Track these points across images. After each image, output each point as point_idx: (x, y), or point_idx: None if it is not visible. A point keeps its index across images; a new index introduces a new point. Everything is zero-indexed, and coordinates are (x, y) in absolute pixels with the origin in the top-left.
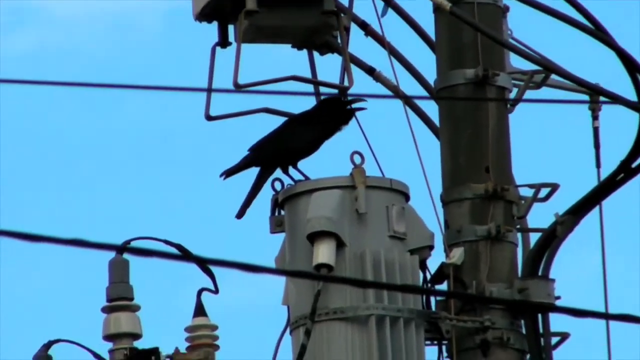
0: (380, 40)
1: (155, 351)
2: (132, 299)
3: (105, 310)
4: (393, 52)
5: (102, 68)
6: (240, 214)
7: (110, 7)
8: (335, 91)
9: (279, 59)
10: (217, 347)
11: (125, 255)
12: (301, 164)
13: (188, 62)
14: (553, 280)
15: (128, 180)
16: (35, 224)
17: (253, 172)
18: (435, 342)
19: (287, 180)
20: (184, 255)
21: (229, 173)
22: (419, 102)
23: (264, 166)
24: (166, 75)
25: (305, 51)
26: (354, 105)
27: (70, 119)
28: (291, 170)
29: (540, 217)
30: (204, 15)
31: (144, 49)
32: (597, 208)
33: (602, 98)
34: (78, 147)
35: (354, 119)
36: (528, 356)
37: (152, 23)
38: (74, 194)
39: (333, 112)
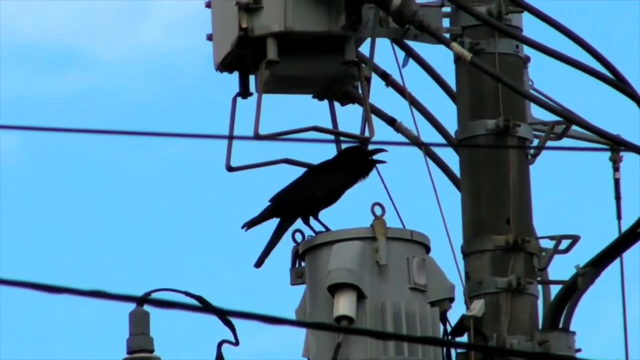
0: (401, 90)
1: None
2: (152, 350)
3: None
4: (414, 103)
5: (138, 111)
6: (258, 264)
7: (154, 51)
8: (356, 142)
9: (299, 109)
10: None
11: (146, 307)
12: (322, 215)
13: (214, 111)
14: (574, 333)
15: (149, 231)
16: (55, 275)
17: (274, 222)
18: None
19: (307, 232)
20: (205, 306)
21: (250, 224)
22: (439, 153)
23: (284, 216)
24: (189, 124)
25: (326, 101)
26: (375, 157)
27: (90, 165)
28: (312, 221)
29: (561, 268)
30: (225, 65)
31: (184, 93)
32: (618, 260)
33: (622, 149)
34: (97, 195)
35: (374, 170)
36: None
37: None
38: (95, 244)
39: (354, 161)
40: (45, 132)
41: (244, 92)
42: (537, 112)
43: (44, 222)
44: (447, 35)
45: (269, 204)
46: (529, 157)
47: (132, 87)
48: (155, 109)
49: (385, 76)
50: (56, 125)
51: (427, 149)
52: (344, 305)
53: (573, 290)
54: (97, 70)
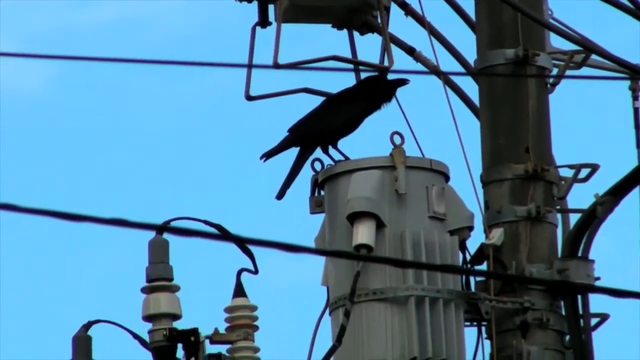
0: (421, 20)
1: (194, 332)
2: (171, 279)
3: (144, 290)
4: (433, 32)
5: (158, 43)
6: (280, 195)
7: None
8: (376, 71)
9: (319, 38)
10: (256, 328)
11: (165, 236)
12: (341, 144)
13: (230, 42)
14: (593, 261)
15: (168, 160)
16: (75, 203)
17: (293, 153)
18: (475, 323)
19: (327, 161)
20: (224, 235)
21: (269, 155)
22: (458, 82)
23: (303, 146)
24: (209, 53)
25: (345, 31)
26: (397, 82)
27: (108, 96)
28: (331, 150)
29: (580, 197)
30: None
31: (204, 23)
32: (637, 188)
33: None
34: (119, 127)
35: (394, 98)
36: (567, 337)
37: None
38: (116, 174)
39: (373, 90)
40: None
41: (263, 22)
42: (557, 42)
43: (64, 149)
44: None
45: (287, 134)
46: (548, 86)
47: (156, 19)
48: (175, 40)
49: (404, 5)
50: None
51: (446, 78)
52: (363, 233)
53: (592, 218)
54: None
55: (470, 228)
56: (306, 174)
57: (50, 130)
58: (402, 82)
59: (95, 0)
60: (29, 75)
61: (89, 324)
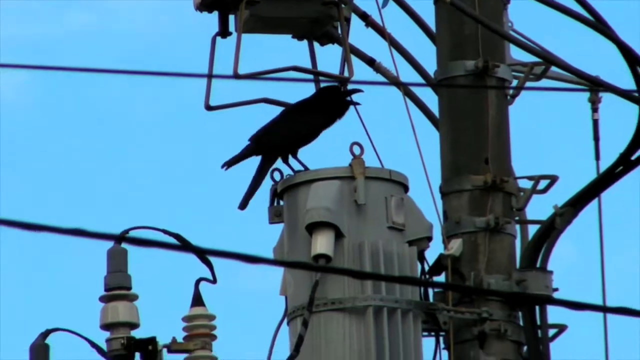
0: (381, 31)
1: (152, 341)
2: (130, 288)
3: (103, 299)
4: (393, 43)
5: (119, 50)
6: (242, 205)
7: None
8: (335, 82)
9: (279, 49)
10: (214, 337)
11: (124, 245)
12: (301, 154)
13: (189, 52)
14: (551, 272)
15: (128, 170)
16: (34, 213)
17: (254, 161)
18: (433, 333)
19: (286, 171)
20: (183, 245)
21: (230, 163)
22: (418, 93)
23: (265, 156)
24: (169, 63)
25: (305, 42)
26: (352, 97)
27: (64, 104)
28: (291, 160)
29: (539, 209)
30: (205, 5)
31: (164, 32)
32: (596, 200)
33: (601, 90)
34: (75, 134)
35: (351, 110)
36: (525, 348)
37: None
38: (73, 183)
39: (331, 101)
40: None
41: (224, 32)
42: (517, 53)
43: (21, 156)
44: None
45: (248, 142)
46: (508, 97)
47: (120, 27)
48: (136, 48)
49: (364, 16)
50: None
51: (406, 89)
52: (322, 243)
53: (551, 230)
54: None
55: (429, 238)
56: (266, 184)
57: (9, 138)
58: (355, 91)
59: (61, 10)
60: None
61: (47, 333)
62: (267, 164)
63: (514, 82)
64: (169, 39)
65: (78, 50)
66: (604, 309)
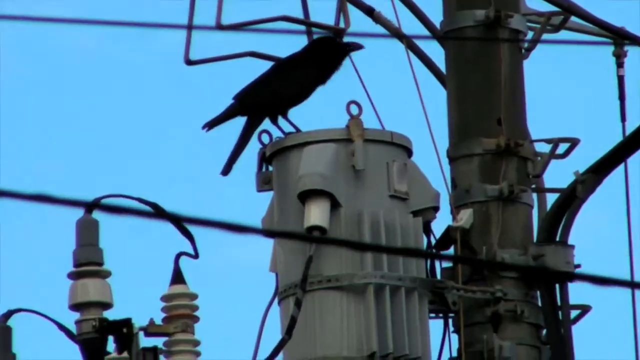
0: None
1: (127, 322)
2: (102, 263)
3: (72, 276)
4: None
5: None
6: (225, 171)
7: None
8: (329, 33)
9: None
10: (196, 319)
11: (95, 215)
12: (292, 114)
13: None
14: (572, 247)
15: (99, 130)
16: None
17: (239, 122)
18: (441, 314)
19: (276, 133)
20: (160, 214)
21: (212, 124)
22: (422, 46)
23: (251, 116)
24: (145, 13)
25: None
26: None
27: (42, 56)
28: (281, 120)
29: (559, 175)
30: None
31: None
32: (621, 165)
33: (627, 43)
34: (48, 91)
35: (348, 65)
36: (544, 331)
37: None
38: (39, 145)
39: (326, 54)
40: None
41: None
42: (532, 2)
43: None
44: None
45: (232, 101)
46: (523, 51)
47: None
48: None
49: None
50: None
51: (409, 42)
52: (316, 214)
53: (572, 199)
54: None
55: (436, 209)
56: (253, 148)
57: None
58: (355, 47)
59: None
60: None
61: (9, 313)
62: (254, 125)
63: (529, 34)
64: None
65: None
66: (632, 285)
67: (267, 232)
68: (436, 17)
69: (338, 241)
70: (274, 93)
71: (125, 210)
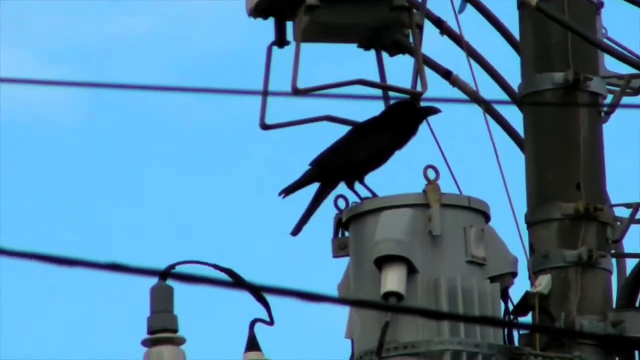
0: (458, 39)
1: None
2: (176, 330)
3: (146, 343)
4: (472, 53)
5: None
6: (296, 231)
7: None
8: (406, 97)
9: (343, 60)
10: None
11: (169, 282)
12: (368, 179)
13: (243, 64)
14: None
15: (176, 196)
16: (70, 245)
17: (315, 188)
18: None
19: (352, 198)
20: (236, 281)
21: (289, 190)
22: (501, 109)
23: (326, 180)
24: (221, 78)
25: (373, 51)
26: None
27: (102, 126)
28: (357, 185)
29: (638, 240)
30: (259, 11)
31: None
32: None
33: None
34: (118, 157)
35: (425, 130)
36: None
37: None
38: (114, 212)
39: (404, 118)
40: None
41: (281, 41)
42: (611, 64)
43: (56, 183)
44: None
45: (309, 167)
46: (602, 114)
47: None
48: (185, 59)
49: (439, 23)
50: None
51: (486, 106)
52: (393, 280)
53: None
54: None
55: (514, 274)
56: (329, 213)
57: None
58: (432, 111)
59: (111, 11)
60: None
61: None
62: (328, 188)
63: (609, 97)
64: (221, 50)
65: (126, 57)
66: None
67: (343, 301)
68: (514, 79)
69: (415, 309)
70: (350, 158)
71: (200, 278)
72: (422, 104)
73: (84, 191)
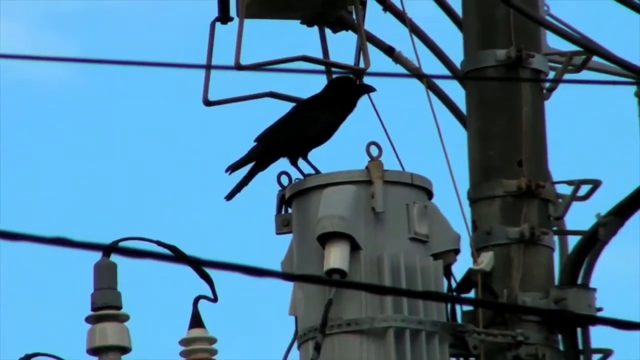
0: (401, 16)
1: None
2: (120, 307)
3: (90, 320)
4: (415, 30)
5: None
6: (229, 196)
7: None
8: (349, 73)
9: (286, 36)
10: None
11: (113, 258)
12: (311, 156)
13: (184, 39)
14: (594, 290)
15: (116, 172)
16: (12, 220)
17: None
18: (462, 358)
19: (295, 174)
20: (179, 257)
21: (235, 167)
22: (443, 86)
23: (269, 156)
24: (162, 52)
25: (316, 28)
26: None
27: (56, 101)
28: (300, 162)
29: (580, 218)
30: None
31: (159, 18)
32: None
33: None
34: (62, 133)
35: (368, 106)
36: None
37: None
38: (57, 188)
39: (345, 94)
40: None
41: (224, 17)
42: (554, 42)
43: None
44: None
45: (254, 143)
46: (544, 91)
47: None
48: (125, 34)
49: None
50: None
51: (429, 82)
52: (336, 256)
53: (594, 241)
54: None
55: (457, 251)
56: (272, 190)
57: None
58: (369, 89)
59: None
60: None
61: (27, 358)
62: (269, 161)
63: (551, 74)
64: (162, 25)
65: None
66: None
67: (286, 276)
68: (457, 56)
69: (358, 285)
70: (297, 134)
71: (144, 253)
72: (365, 79)
73: (35, 161)
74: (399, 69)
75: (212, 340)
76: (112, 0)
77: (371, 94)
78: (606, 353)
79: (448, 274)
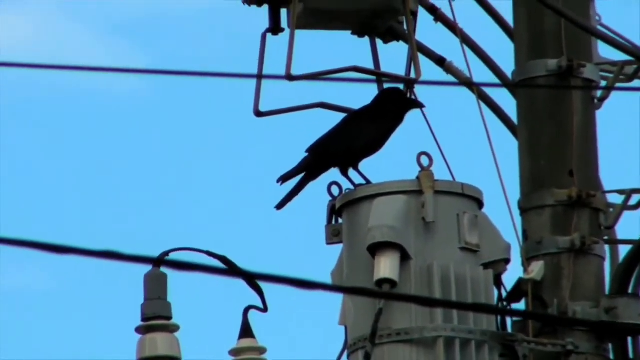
0: (452, 26)
1: None
2: (170, 317)
3: (139, 330)
4: (466, 40)
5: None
6: (280, 206)
7: None
8: (400, 84)
9: (337, 47)
10: None
11: (163, 269)
12: (362, 166)
13: (236, 51)
14: None
15: (168, 184)
16: (63, 233)
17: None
18: None
19: (346, 184)
20: (230, 269)
21: (286, 177)
22: (494, 95)
23: (321, 167)
24: (214, 63)
25: (367, 38)
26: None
27: (102, 115)
28: (351, 172)
29: (631, 227)
30: None
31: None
32: None
33: None
34: (110, 149)
35: (418, 117)
36: None
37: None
38: (106, 200)
39: (396, 105)
40: None
41: (275, 28)
42: (605, 51)
43: (50, 172)
44: None
45: (305, 154)
46: (595, 101)
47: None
48: (177, 45)
49: (433, 10)
50: None
51: (480, 91)
52: (386, 267)
53: None
54: None
55: (507, 261)
56: (322, 200)
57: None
58: (418, 105)
59: None
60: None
61: None
62: (320, 171)
63: (602, 84)
64: (214, 36)
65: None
66: None
67: (336, 288)
68: (508, 67)
69: (408, 297)
70: (349, 145)
71: (194, 265)
72: (416, 89)
73: (80, 175)
74: (450, 79)
75: (262, 350)
76: (165, 9)
77: (415, 103)
78: None
79: (498, 283)
